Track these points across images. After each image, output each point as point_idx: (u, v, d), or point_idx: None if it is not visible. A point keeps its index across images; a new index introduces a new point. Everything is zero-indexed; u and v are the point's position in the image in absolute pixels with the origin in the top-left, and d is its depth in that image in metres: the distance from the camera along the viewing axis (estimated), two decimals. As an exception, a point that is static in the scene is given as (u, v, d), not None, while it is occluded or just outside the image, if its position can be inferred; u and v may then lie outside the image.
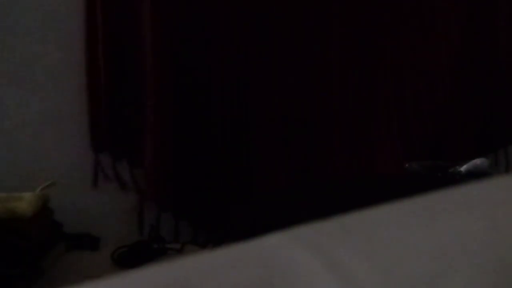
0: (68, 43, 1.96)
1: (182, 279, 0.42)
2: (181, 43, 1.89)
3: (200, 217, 1.96)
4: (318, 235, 0.39)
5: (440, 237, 0.38)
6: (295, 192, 1.64)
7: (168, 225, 1.99)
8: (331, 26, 1.92)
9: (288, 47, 1.92)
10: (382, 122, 1.96)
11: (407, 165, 1.72)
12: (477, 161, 1.61)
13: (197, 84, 1.91)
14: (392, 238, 0.38)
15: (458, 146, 1.97)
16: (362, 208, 0.41)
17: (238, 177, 1.95)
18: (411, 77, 1.96)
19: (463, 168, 1.61)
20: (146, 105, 1.90)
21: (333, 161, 1.95)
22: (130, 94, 1.91)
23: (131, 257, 1.84)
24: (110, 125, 1.92)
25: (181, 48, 1.89)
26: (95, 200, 2.02)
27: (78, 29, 1.94)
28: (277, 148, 1.95)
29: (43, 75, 1.97)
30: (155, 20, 1.85)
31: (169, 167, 1.92)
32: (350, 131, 1.96)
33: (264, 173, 1.94)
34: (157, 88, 1.88)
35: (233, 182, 1.95)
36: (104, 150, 1.96)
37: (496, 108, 2.01)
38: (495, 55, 1.98)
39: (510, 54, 1.99)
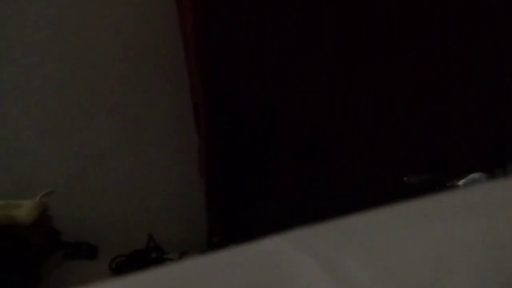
0: (68, 53, 1.97)
1: (180, 282, 0.42)
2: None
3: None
4: (317, 238, 0.39)
5: (439, 240, 0.38)
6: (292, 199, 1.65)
7: (166, 234, 1.99)
8: (344, 39, 1.93)
9: (307, 61, 1.92)
10: (390, 133, 1.96)
11: (405, 178, 1.73)
12: (475, 176, 1.61)
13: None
14: (391, 241, 0.38)
15: (462, 160, 1.97)
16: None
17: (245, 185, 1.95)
18: (417, 89, 1.96)
19: (461, 182, 1.61)
20: None
21: (342, 169, 1.95)
22: None
23: (129, 266, 1.84)
24: None
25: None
26: (94, 208, 2.03)
27: (78, 40, 1.96)
28: (289, 157, 1.95)
29: (43, 84, 1.98)
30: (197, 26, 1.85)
31: None
32: (357, 142, 1.96)
33: (275, 178, 1.94)
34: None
35: (240, 190, 1.94)
36: None
37: (502, 123, 2.00)
38: (504, 68, 1.97)
39: None
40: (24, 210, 1.74)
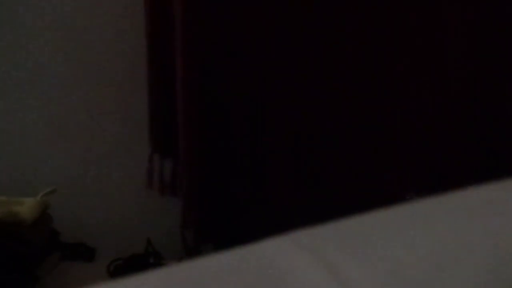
0: (71, 49, 1.98)
1: (180, 284, 0.42)
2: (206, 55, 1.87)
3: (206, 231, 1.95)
4: (316, 239, 0.39)
5: (438, 240, 0.38)
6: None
7: (164, 239, 1.99)
8: (342, 46, 1.91)
9: (303, 66, 1.91)
10: (391, 149, 1.95)
11: (407, 196, 1.72)
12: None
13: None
14: (390, 241, 0.38)
15: (464, 178, 1.96)
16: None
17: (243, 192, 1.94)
18: (419, 106, 1.95)
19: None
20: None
21: (340, 180, 1.94)
22: None
23: (127, 270, 1.84)
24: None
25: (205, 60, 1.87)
26: (93, 210, 2.03)
27: (81, 36, 1.96)
28: (287, 162, 1.94)
29: (46, 80, 1.99)
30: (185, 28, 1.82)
31: None
32: (356, 153, 1.95)
33: (273, 187, 1.94)
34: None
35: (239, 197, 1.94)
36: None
37: (504, 142, 1.99)
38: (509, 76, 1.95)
39: None
40: (26, 207, 1.74)
